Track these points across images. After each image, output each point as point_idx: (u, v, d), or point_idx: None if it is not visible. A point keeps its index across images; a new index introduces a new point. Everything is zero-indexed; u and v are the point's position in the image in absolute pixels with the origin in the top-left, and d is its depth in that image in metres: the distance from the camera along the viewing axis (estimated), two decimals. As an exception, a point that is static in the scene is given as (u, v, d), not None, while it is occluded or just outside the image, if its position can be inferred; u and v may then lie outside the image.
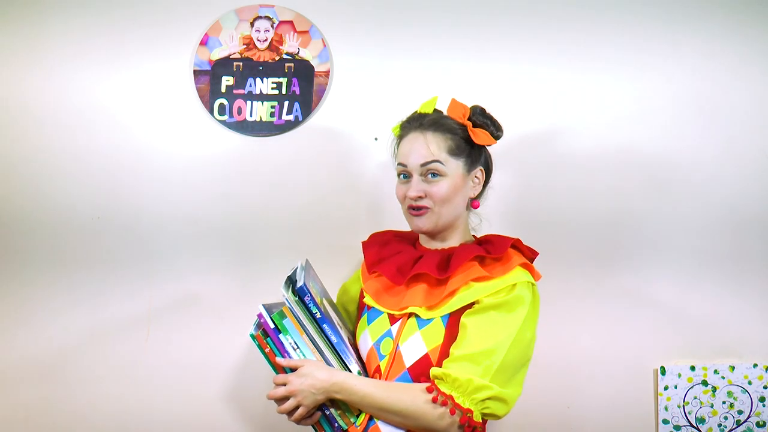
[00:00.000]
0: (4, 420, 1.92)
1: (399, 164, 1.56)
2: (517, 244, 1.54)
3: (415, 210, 1.53)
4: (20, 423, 1.91)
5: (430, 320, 1.47)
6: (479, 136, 1.54)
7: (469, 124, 1.55)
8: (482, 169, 1.58)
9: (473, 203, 1.59)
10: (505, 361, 1.39)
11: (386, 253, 1.62)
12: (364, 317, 1.59)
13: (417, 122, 1.57)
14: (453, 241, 1.57)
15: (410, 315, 1.50)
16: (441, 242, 1.58)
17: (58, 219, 1.94)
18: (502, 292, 1.45)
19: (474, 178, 1.57)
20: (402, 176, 1.56)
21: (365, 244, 1.68)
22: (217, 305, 1.94)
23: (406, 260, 1.56)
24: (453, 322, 1.46)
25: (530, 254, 1.56)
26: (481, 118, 1.56)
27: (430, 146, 1.51)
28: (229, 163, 1.96)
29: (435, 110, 1.59)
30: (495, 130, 1.57)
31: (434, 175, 1.51)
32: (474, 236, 1.63)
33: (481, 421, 1.40)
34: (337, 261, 1.90)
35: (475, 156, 1.57)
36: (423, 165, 1.51)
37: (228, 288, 1.94)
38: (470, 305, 1.46)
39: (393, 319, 1.52)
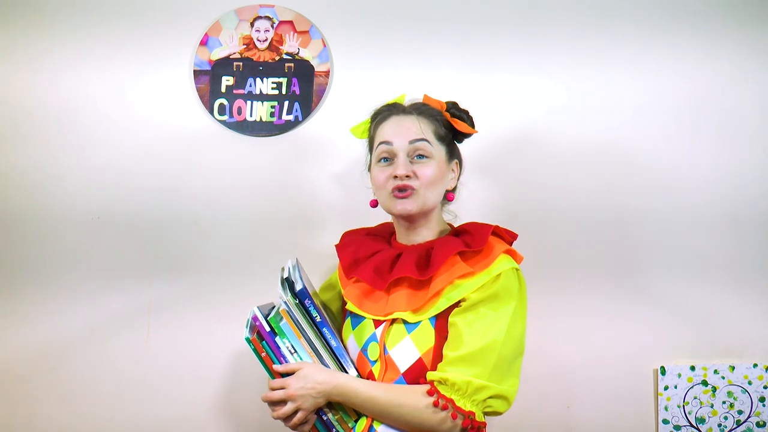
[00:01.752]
0: (4, 420, 1.92)
1: (382, 143, 1.51)
2: (497, 231, 1.53)
3: (401, 191, 1.49)
4: (20, 423, 1.92)
5: (417, 323, 1.45)
6: (460, 124, 1.55)
7: (448, 114, 1.56)
8: (458, 162, 1.59)
9: (448, 195, 1.58)
10: (501, 357, 1.38)
11: (362, 254, 1.57)
12: (348, 321, 1.56)
13: (399, 108, 1.56)
14: (429, 233, 1.55)
15: (395, 319, 1.48)
16: (417, 235, 1.55)
17: (58, 219, 1.94)
18: (488, 284, 1.43)
19: (451, 170, 1.57)
20: (383, 160, 1.52)
21: (339, 247, 1.64)
22: (218, 305, 1.93)
23: (383, 261, 1.52)
24: (441, 322, 1.44)
25: (510, 238, 1.55)
26: (456, 111, 1.58)
27: (419, 125, 1.51)
28: (229, 163, 1.96)
29: None
30: (470, 123, 1.59)
31: (420, 156, 1.49)
32: (450, 225, 1.61)
33: (484, 420, 1.40)
34: (337, 261, 1.89)
35: (454, 147, 1.59)
36: (412, 142, 1.49)
37: (228, 288, 1.94)
38: (457, 303, 1.44)
39: (377, 323, 1.50)
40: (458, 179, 1.60)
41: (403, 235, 1.57)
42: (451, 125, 1.56)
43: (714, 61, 1.92)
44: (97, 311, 1.93)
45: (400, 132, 1.50)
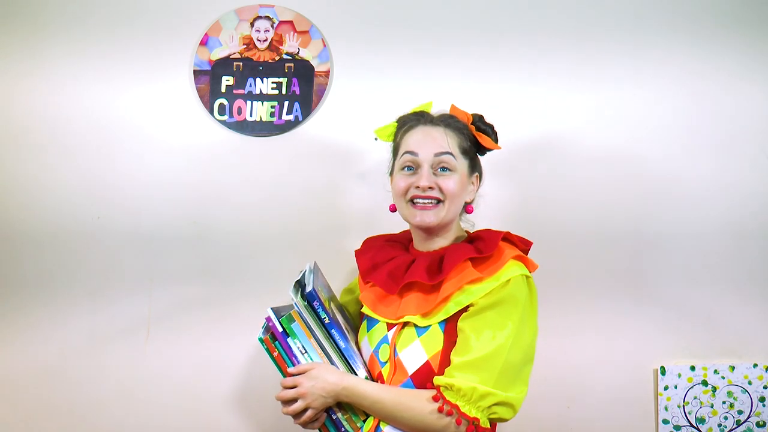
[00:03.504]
0: (5, 422, 1.91)
1: (407, 153, 1.53)
2: (508, 237, 1.53)
3: (421, 202, 1.50)
4: (20, 425, 1.91)
5: (428, 327, 1.46)
6: (485, 139, 1.56)
7: (473, 128, 1.57)
8: (478, 175, 1.60)
9: (467, 208, 1.59)
10: (507, 364, 1.38)
11: (379, 259, 1.59)
12: (364, 323, 1.59)
13: (427, 117, 1.57)
14: (445, 241, 1.56)
15: (407, 323, 1.49)
16: (434, 243, 1.56)
17: (58, 219, 1.94)
18: (496, 290, 1.43)
19: (471, 182, 1.58)
20: (406, 168, 1.53)
21: (358, 253, 1.66)
22: (217, 306, 1.93)
23: (397, 266, 1.54)
24: (451, 327, 1.45)
25: (523, 245, 1.55)
26: (482, 125, 1.59)
27: (446, 138, 1.52)
28: (229, 164, 1.95)
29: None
30: (495, 138, 1.60)
31: (444, 169, 1.50)
32: (466, 231, 1.62)
33: (489, 426, 1.40)
34: (336, 262, 1.89)
35: (476, 161, 1.60)
36: (437, 155, 1.50)
37: (228, 289, 1.94)
38: (466, 308, 1.44)
39: (390, 326, 1.51)
40: (477, 191, 1.61)
41: (420, 242, 1.58)
42: (475, 138, 1.57)
43: (714, 63, 1.92)
44: (96, 312, 1.92)
45: (427, 143, 1.51)
